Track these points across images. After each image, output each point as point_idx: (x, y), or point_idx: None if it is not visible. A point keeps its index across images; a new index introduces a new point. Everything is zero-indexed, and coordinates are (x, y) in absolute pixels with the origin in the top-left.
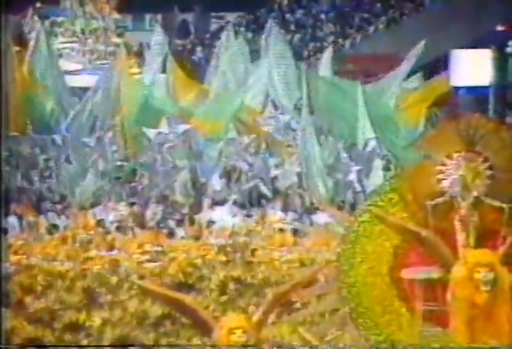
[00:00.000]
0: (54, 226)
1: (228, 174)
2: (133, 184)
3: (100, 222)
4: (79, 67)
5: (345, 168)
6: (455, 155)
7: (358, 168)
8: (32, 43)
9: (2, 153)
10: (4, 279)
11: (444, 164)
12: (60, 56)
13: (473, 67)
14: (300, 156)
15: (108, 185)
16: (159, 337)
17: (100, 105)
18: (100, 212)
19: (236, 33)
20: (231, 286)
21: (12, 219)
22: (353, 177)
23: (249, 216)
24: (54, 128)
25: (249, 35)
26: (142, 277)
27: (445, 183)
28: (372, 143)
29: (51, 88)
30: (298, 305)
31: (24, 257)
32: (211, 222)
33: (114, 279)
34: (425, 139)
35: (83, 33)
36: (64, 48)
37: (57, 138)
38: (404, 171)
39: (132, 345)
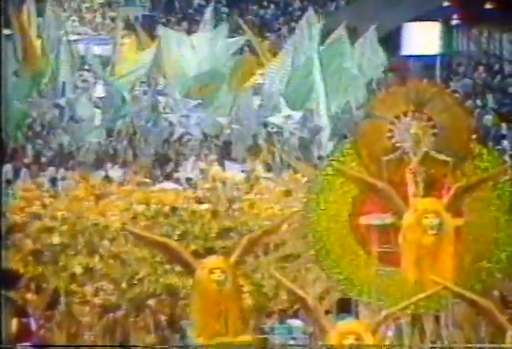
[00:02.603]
0: (55, 179)
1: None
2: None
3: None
4: (79, 37)
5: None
6: (405, 115)
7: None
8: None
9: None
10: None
11: (393, 123)
12: (62, 27)
13: (422, 38)
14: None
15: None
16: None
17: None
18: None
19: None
20: (213, 232)
21: (23, 172)
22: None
23: (228, 170)
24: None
25: (225, 10)
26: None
27: (396, 140)
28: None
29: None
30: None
31: (33, 206)
32: (194, 176)
33: (110, 227)
34: (377, 101)
35: (81, 8)
36: (67, 21)
37: (63, 100)
38: (358, 130)
39: (132, 345)
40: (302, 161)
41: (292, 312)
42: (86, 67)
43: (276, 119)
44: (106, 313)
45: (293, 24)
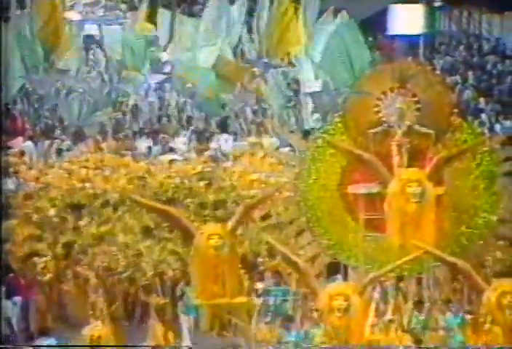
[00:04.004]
0: (61, 150)
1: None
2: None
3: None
4: (84, 18)
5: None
6: (390, 91)
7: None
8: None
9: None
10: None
11: (379, 99)
12: (70, 8)
13: (407, 19)
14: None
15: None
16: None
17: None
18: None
19: None
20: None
21: (28, 144)
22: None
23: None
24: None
25: None
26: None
27: (382, 114)
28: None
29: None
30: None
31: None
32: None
33: (113, 196)
34: (364, 78)
35: None
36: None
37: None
38: (347, 105)
39: (132, 345)
40: (295, 134)
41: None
42: (95, 46)
43: None
44: (111, 275)
45: None
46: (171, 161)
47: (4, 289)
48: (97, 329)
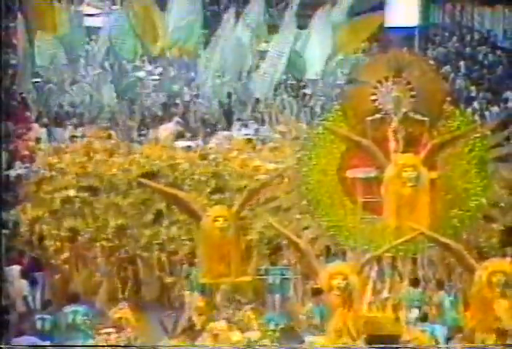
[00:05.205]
0: (74, 137)
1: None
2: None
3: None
4: (98, 11)
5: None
6: (386, 80)
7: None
8: None
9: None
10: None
11: (376, 87)
12: (82, 1)
13: (403, 10)
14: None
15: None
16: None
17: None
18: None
19: None
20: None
21: (42, 130)
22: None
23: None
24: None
25: None
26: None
27: (379, 102)
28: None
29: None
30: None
31: (56, 161)
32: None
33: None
34: (361, 68)
35: None
36: None
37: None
38: (346, 94)
39: (132, 346)
40: (297, 121)
41: None
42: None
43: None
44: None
45: None
46: (182, 148)
47: (20, 268)
48: (120, 311)
